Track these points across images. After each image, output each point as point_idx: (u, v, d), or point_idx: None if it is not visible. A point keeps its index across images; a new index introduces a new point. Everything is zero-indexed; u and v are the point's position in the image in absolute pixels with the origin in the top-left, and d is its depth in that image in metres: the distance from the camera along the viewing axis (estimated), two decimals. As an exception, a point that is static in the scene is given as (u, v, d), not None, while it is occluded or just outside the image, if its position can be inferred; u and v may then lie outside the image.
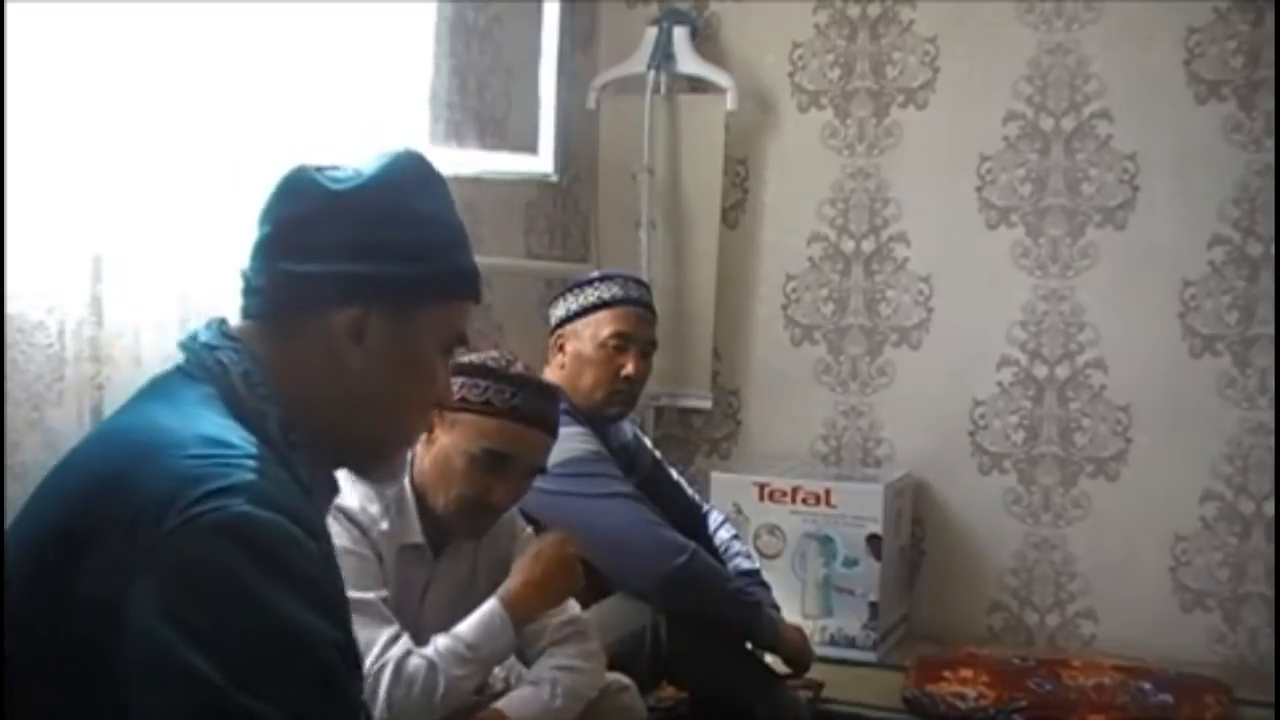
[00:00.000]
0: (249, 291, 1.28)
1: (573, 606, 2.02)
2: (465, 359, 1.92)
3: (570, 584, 1.96)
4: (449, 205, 1.33)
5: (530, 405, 1.92)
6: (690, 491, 2.80)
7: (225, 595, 1.05)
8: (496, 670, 2.04)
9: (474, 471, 1.89)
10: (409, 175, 1.30)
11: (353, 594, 1.74)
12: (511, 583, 1.90)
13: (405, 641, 1.78)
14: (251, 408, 1.20)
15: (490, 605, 1.87)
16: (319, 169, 1.28)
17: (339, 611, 1.15)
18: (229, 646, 1.03)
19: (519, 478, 1.94)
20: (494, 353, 1.98)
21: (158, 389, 1.25)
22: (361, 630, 1.74)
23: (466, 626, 1.84)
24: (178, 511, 1.06)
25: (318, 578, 1.11)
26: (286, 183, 1.28)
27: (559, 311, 2.58)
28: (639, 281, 2.68)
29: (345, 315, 1.23)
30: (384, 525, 1.86)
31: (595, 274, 2.67)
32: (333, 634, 1.10)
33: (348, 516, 1.83)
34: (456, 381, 1.90)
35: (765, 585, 2.64)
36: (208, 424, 1.16)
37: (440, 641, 1.81)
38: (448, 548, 1.95)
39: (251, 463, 1.12)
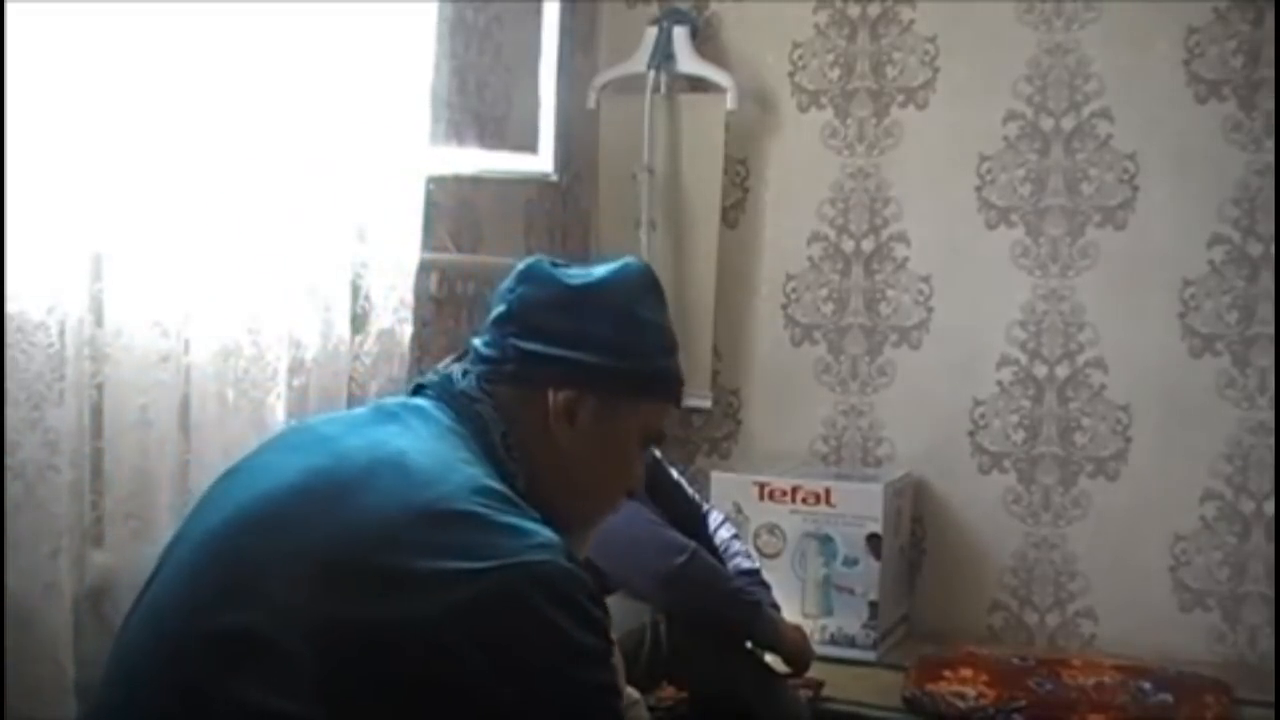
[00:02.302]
0: (479, 360, 1.44)
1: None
2: None
3: None
4: (665, 313, 1.52)
5: None
6: (690, 491, 2.80)
7: (548, 643, 1.20)
8: None
9: None
10: (635, 281, 1.48)
11: None
12: None
13: None
14: (508, 467, 1.36)
15: None
16: (554, 263, 1.48)
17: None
18: (541, 689, 1.19)
19: None
20: None
21: (419, 416, 1.37)
22: None
23: None
24: (501, 555, 1.19)
25: (605, 622, 1.27)
26: (526, 270, 1.47)
27: None
28: None
29: (564, 396, 1.41)
30: None
31: None
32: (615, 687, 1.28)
33: None
34: None
35: (765, 585, 2.64)
36: (491, 479, 1.30)
37: None
38: None
39: (540, 520, 1.27)
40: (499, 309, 1.46)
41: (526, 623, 1.19)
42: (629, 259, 1.52)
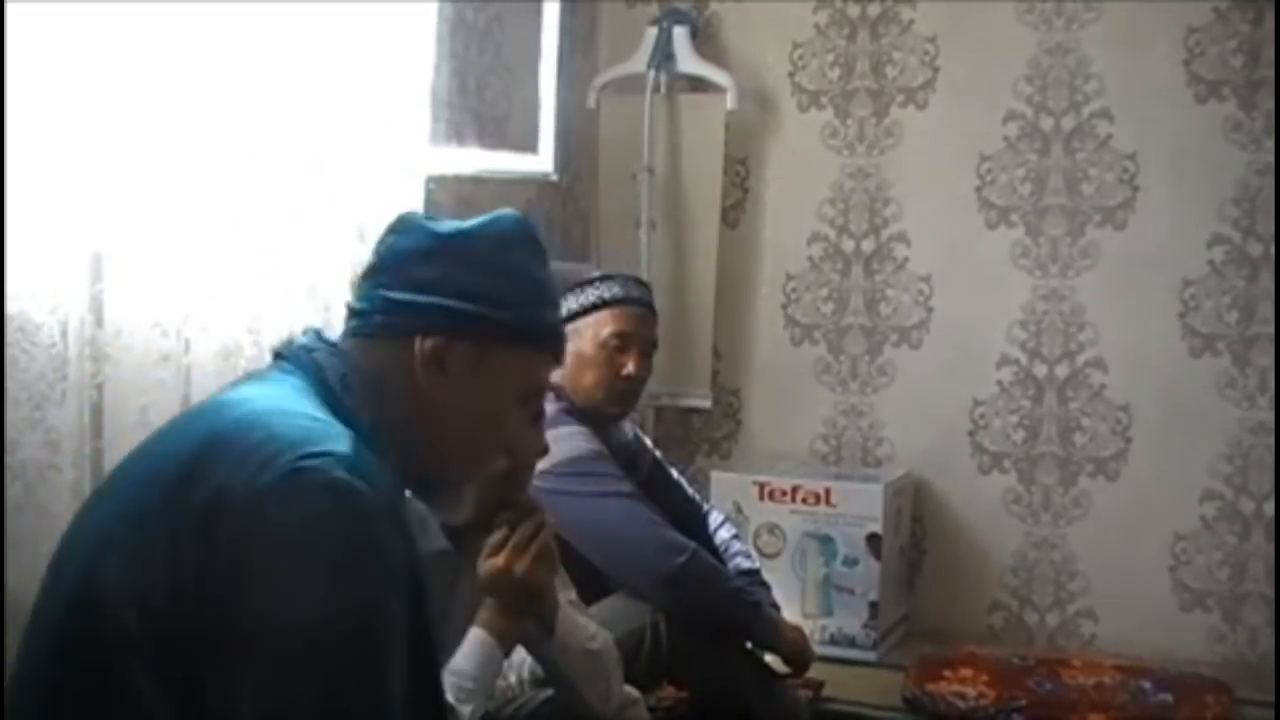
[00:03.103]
0: (351, 314, 1.41)
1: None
2: None
3: (535, 599, 1.93)
4: (541, 266, 1.47)
5: None
6: (690, 491, 2.80)
7: (308, 554, 1.12)
8: (510, 677, 2.05)
9: (488, 481, 1.89)
10: (507, 232, 1.45)
11: None
12: (486, 611, 1.90)
13: None
14: (346, 409, 1.30)
15: (477, 635, 1.86)
16: (428, 216, 1.46)
17: (417, 597, 1.22)
18: (300, 609, 1.10)
19: (523, 474, 1.95)
20: None
21: (253, 378, 1.38)
22: None
23: (464, 660, 1.84)
24: (277, 466, 1.14)
25: (398, 556, 1.18)
26: (397, 221, 1.45)
27: (561, 312, 2.58)
28: (640, 281, 2.69)
29: (430, 342, 1.35)
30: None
31: (596, 274, 2.67)
32: (399, 617, 1.16)
33: None
34: None
35: (765, 585, 2.64)
36: (312, 406, 1.27)
37: (446, 680, 1.81)
38: (468, 544, 1.95)
39: (348, 439, 1.21)
40: (370, 261, 1.44)
41: (261, 527, 1.13)
42: (503, 211, 1.49)
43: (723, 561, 2.60)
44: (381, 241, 1.44)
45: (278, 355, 1.40)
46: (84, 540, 1.22)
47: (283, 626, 1.10)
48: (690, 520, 2.65)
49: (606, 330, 2.50)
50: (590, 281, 2.60)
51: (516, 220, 1.48)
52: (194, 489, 1.15)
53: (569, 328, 2.54)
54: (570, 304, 2.56)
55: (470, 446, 1.42)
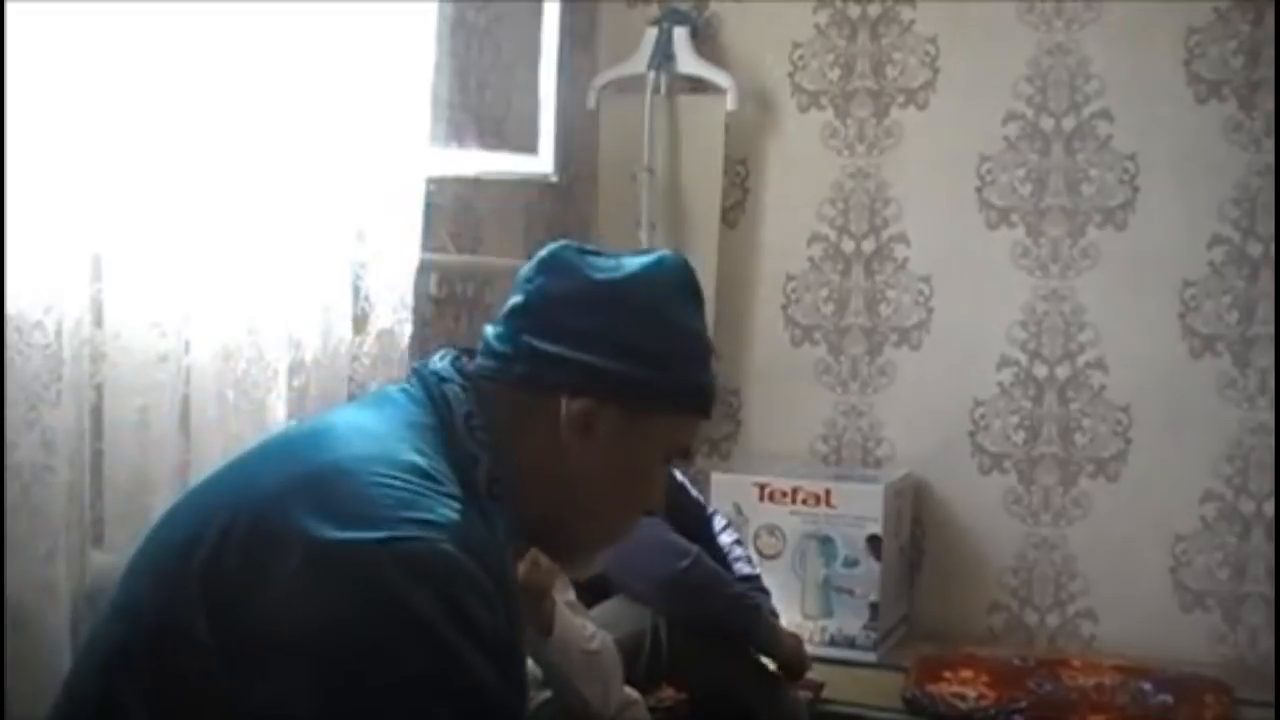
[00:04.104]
0: (489, 354, 1.30)
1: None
2: None
3: (534, 602, 1.92)
4: (700, 317, 1.36)
5: None
6: (695, 493, 2.80)
7: (403, 624, 1.04)
8: None
9: None
10: (670, 279, 1.33)
11: None
12: None
13: None
14: (465, 450, 1.22)
15: None
16: (582, 251, 1.32)
17: (512, 667, 1.15)
18: (389, 679, 1.03)
19: None
20: None
21: (376, 398, 1.29)
22: None
23: None
24: (372, 527, 1.06)
25: (495, 630, 1.10)
26: (549, 257, 1.31)
27: None
28: None
29: (580, 405, 1.26)
30: None
31: None
32: (498, 687, 1.09)
33: None
34: None
35: (765, 591, 2.64)
36: (417, 452, 1.17)
37: None
38: None
39: (456, 503, 1.12)
40: (515, 299, 1.31)
41: (374, 603, 1.04)
42: (665, 252, 1.36)
43: (726, 566, 2.60)
44: (529, 279, 1.31)
45: (414, 371, 1.31)
46: (161, 546, 1.17)
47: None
48: (694, 523, 2.64)
49: None
50: None
51: (678, 265, 1.36)
52: (266, 528, 1.08)
53: None
54: None
55: (615, 510, 1.33)
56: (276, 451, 1.24)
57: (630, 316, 1.28)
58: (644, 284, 1.30)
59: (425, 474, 1.14)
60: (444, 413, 1.23)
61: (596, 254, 1.32)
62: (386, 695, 1.03)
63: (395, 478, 1.11)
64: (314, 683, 1.04)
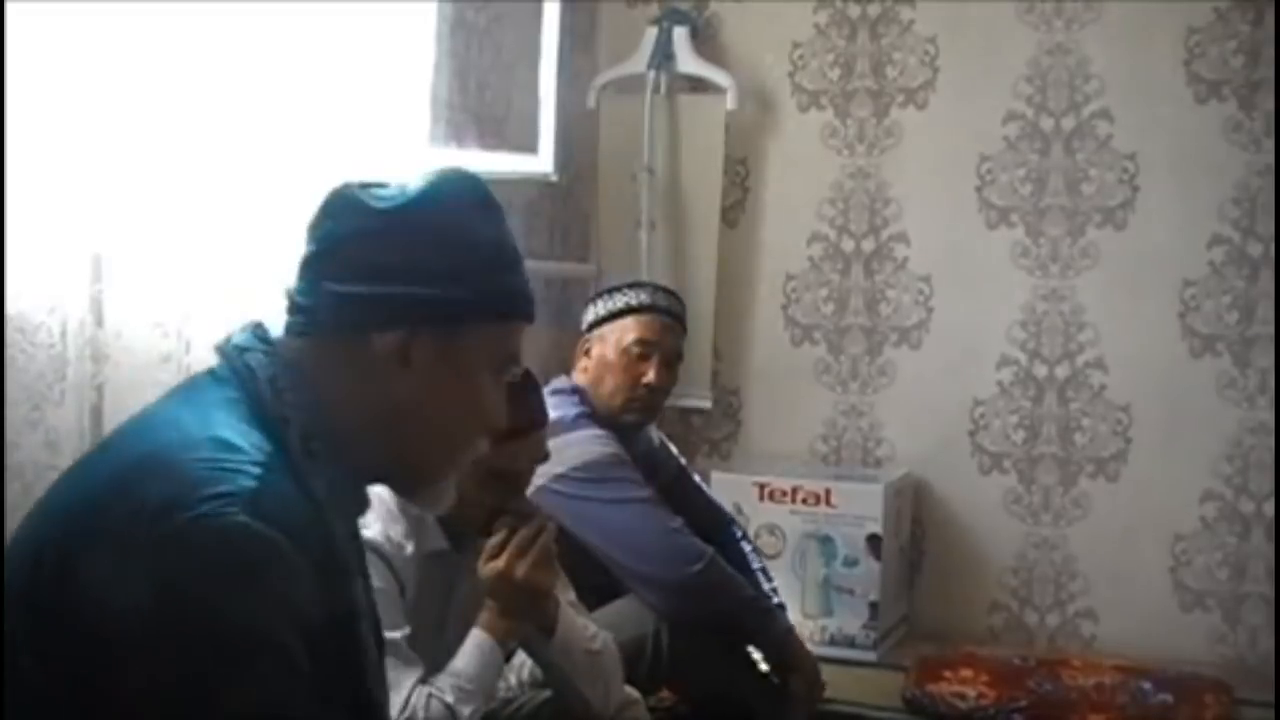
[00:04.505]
0: (294, 309, 1.27)
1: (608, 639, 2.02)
2: None
3: (537, 602, 1.93)
4: (497, 224, 1.31)
5: (512, 416, 1.90)
6: (713, 498, 2.81)
7: (196, 602, 1.05)
8: (510, 678, 2.05)
9: (488, 489, 1.89)
10: (455, 194, 1.28)
11: None
12: (487, 613, 1.90)
13: (424, 686, 1.80)
14: (274, 413, 1.20)
15: (478, 637, 1.87)
16: (364, 186, 1.27)
17: (313, 623, 1.12)
18: (191, 651, 1.04)
19: (525, 479, 1.96)
20: None
21: (184, 388, 1.27)
22: (388, 670, 1.77)
23: (464, 662, 1.85)
24: (173, 515, 1.06)
25: (298, 592, 1.10)
26: (331, 200, 1.27)
27: (589, 316, 2.60)
28: (670, 292, 2.70)
29: (391, 338, 1.22)
30: (409, 549, 1.87)
31: (628, 281, 2.69)
32: (297, 646, 1.09)
33: (371, 549, 1.83)
34: None
35: (782, 606, 2.65)
36: (223, 427, 1.16)
37: (446, 682, 1.81)
38: (469, 545, 1.95)
39: (256, 469, 1.12)
40: (307, 249, 1.27)
41: (169, 586, 1.05)
42: (448, 168, 1.31)
43: (745, 572, 2.60)
44: (316, 226, 1.27)
45: (216, 350, 1.28)
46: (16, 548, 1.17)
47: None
48: (714, 529, 2.64)
49: (630, 337, 2.51)
50: (619, 288, 2.62)
51: (463, 178, 1.30)
52: (84, 531, 1.08)
53: (596, 333, 2.56)
54: (599, 309, 2.58)
55: (448, 436, 1.30)
56: (97, 456, 1.24)
57: (422, 239, 1.24)
58: (430, 204, 1.26)
59: (228, 446, 1.13)
60: (248, 383, 1.22)
61: (381, 185, 1.28)
62: (190, 678, 1.04)
63: (196, 459, 1.11)
64: (135, 676, 1.05)
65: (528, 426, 1.91)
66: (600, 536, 2.30)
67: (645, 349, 2.51)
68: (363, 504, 1.33)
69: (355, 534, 1.33)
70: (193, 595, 1.05)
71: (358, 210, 1.25)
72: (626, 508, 2.39)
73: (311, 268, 1.26)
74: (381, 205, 1.24)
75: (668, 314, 2.58)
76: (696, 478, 2.81)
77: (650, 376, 2.50)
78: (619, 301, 2.56)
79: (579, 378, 2.54)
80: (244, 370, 1.23)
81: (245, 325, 1.28)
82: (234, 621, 1.06)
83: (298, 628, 1.09)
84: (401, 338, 1.22)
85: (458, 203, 1.28)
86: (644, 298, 2.57)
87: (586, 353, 2.56)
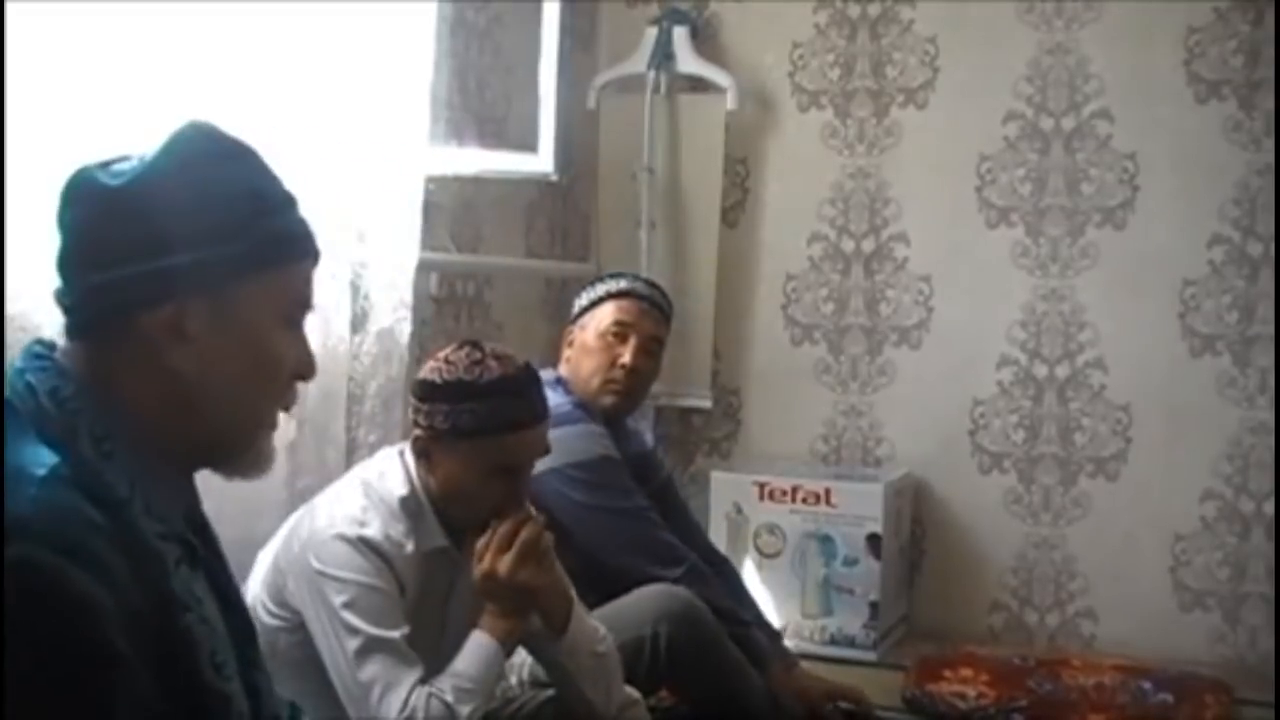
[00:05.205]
0: (64, 311, 1.22)
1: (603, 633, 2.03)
2: (435, 380, 1.89)
3: (529, 599, 1.93)
4: (246, 170, 1.25)
5: (522, 408, 1.91)
6: (693, 519, 2.82)
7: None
8: (510, 678, 2.05)
9: (490, 486, 1.90)
10: (192, 151, 1.22)
11: (374, 631, 1.76)
12: (487, 614, 1.90)
13: (424, 686, 1.80)
14: (60, 424, 1.16)
15: (479, 638, 1.87)
16: (101, 165, 1.22)
17: (118, 623, 1.09)
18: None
19: (529, 469, 1.95)
20: (461, 355, 1.93)
21: None
22: (383, 669, 1.76)
23: (464, 662, 1.85)
24: None
25: (75, 614, 1.05)
26: (69, 189, 1.22)
27: (573, 310, 2.62)
28: (651, 283, 2.71)
29: (159, 317, 1.18)
30: (409, 548, 1.87)
31: (609, 273, 2.71)
32: (113, 656, 1.06)
33: (371, 548, 1.84)
34: (444, 408, 1.87)
35: (777, 634, 2.67)
36: (6, 453, 1.11)
37: (446, 682, 1.82)
38: (469, 543, 1.95)
39: (31, 489, 1.08)
40: (58, 244, 1.21)
41: None
42: (181, 125, 1.23)
43: (738, 591, 2.63)
44: (59, 219, 1.21)
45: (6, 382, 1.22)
46: None
47: None
48: (689, 542, 2.64)
49: (607, 320, 2.53)
50: (602, 278, 2.65)
51: (198, 132, 1.23)
52: None
53: (578, 323, 2.57)
54: (581, 301, 2.61)
55: (247, 398, 1.24)
56: None
57: (164, 205, 1.18)
58: (167, 167, 1.20)
59: (7, 473, 1.09)
60: (28, 401, 1.17)
61: (117, 159, 1.22)
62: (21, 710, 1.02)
63: None
64: None
65: (529, 421, 1.92)
66: (581, 539, 2.31)
67: (622, 330, 2.53)
68: (185, 492, 1.28)
69: (195, 522, 1.29)
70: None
71: (95, 192, 1.19)
72: (609, 514, 2.40)
73: (65, 264, 1.21)
74: (118, 182, 1.19)
75: (647, 300, 2.59)
76: (681, 496, 2.84)
77: (626, 358, 2.51)
78: (599, 290, 2.59)
79: (563, 368, 2.57)
80: (24, 390, 1.18)
81: (26, 347, 1.24)
82: (27, 657, 1.02)
83: (94, 639, 1.06)
84: (170, 312, 1.18)
85: (196, 159, 1.21)
86: (623, 284, 2.60)
87: (570, 343, 2.58)
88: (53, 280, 1.23)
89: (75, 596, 1.05)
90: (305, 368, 1.29)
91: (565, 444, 2.29)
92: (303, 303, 1.28)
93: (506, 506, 1.91)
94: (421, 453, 1.92)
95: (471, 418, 1.88)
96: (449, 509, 1.93)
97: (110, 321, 1.19)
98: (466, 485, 1.90)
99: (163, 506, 1.20)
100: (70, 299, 1.21)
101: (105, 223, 1.19)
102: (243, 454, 1.28)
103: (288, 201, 1.28)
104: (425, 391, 1.91)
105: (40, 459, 1.12)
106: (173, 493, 1.25)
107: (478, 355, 1.91)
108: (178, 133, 1.23)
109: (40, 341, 1.24)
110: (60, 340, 1.26)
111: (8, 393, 1.19)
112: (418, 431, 1.93)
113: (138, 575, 1.12)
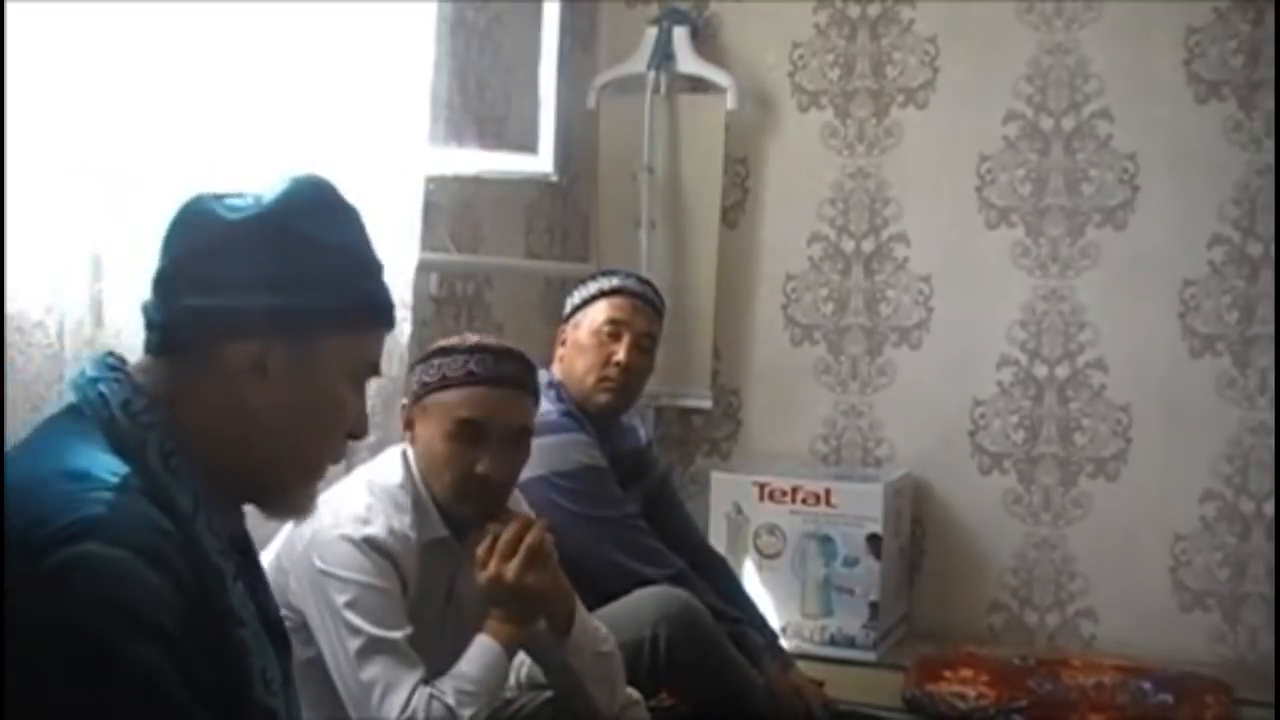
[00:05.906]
0: (150, 327, 1.26)
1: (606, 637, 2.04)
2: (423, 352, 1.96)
3: (537, 603, 1.93)
4: (353, 231, 1.31)
5: (488, 367, 1.92)
6: (689, 521, 2.81)
7: (54, 642, 1.05)
8: (510, 678, 2.05)
9: (456, 448, 1.90)
10: (309, 202, 1.27)
11: (376, 631, 1.76)
12: (493, 620, 1.90)
13: (426, 688, 1.80)
14: (131, 436, 1.19)
15: (483, 641, 1.87)
16: (217, 197, 1.26)
17: (177, 632, 1.11)
18: (50, 682, 1.04)
19: (504, 443, 1.93)
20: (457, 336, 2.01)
21: (43, 426, 1.25)
22: (384, 670, 1.76)
23: (468, 664, 1.84)
24: (21, 553, 1.06)
25: (162, 611, 1.09)
26: (183, 213, 1.27)
27: (566, 308, 2.61)
28: (644, 280, 2.70)
29: (245, 351, 1.22)
30: (413, 537, 1.88)
31: (601, 271, 2.71)
32: (166, 669, 1.08)
33: (374, 548, 1.84)
34: (419, 370, 1.94)
35: (774, 634, 2.67)
36: (74, 457, 1.15)
37: (448, 684, 1.81)
38: (471, 535, 1.95)
39: (106, 494, 1.11)
40: (160, 264, 1.26)
41: (29, 630, 1.05)
42: (300, 174, 1.29)
43: (730, 593, 2.62)
44: (169, 239, 1.27)
45: (70, 384, 1.27)
46: None
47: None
48: (682, 543, 2.64)
49: (600, 318, 2.53)
50: (594, 276, 2.64)
51: (312, 185, 1.29)
52: None
53: (570, 321, 2.57)
54: (574, 299, 2.60)
55: (306, 445, 1.30)
56: None
57: (274, 248, 1.23)
58: (282, 212, 1.24)
59: (76, 476, 1.13)
60: (101, 411, 1.21)
61: (235, 195, 1.27)
62: (61, 709, 1.05)
63: (45, 494, 1.11)
64: (22, 709, 1.04)
65: (491, 379, 1.95)
66: (571, 547, 2.31)
67: (615, 328, 2.52)
68: (234, 516, 1.32)
69: (241, 543, 1.33)
70: (47, 630, 1.05)
71: (210, 222, 1.24)
72: (595, 524, 2.40)
73: (165, 283, 1.26)
74: (233, 216, 1.24)
75: (639, 297, 2.59)
76: (677, 495, 2.84)
77: (620, 355, 2.51)
78: (591, 289, 2.58)
79: (556, 368, 2.56)
80: (97, 400, 1.21)
81: (98, 357, 1.28)
82: (92, 651, 1.05)
83: (158, 641, 1.08)
84: (256, 349, 1.23)
85: (310, 210, 1.26)
86: (615, 282, 2.59)
87: (563, 342, 2.58)
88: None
89: (150, 585, 1.09)
90: (359, 428, 1.34)
91: (550, 452, 2.30)
92: (373, 366, 1.34)
93: (489, 517, 1.91)
94: (408, 425, 1.96)
95: (435, 370, 1.92)
96: (437, 492, 1.92)
97: (197, 345, 1.24)
98: (434, 448, 1.91)
99: (219, 525, 1.23)
100: (161, 316, 1.25)
101: (214, 252, 1.23)
102: (288, 496, 1.32)
103: (380, 269, 1.34)
104: (412, 364, 1.99)
105: (111, 467, 1.15)
106: (224, 515, 1.28)
107: (471, 335, 1.99)
108: (296, 181, 1.28)
109: (111, 354, 1.28)
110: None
111: (77, 398, 1.23)
112: (404, 400, 1.98)
113: (201, 586, 1.15)
